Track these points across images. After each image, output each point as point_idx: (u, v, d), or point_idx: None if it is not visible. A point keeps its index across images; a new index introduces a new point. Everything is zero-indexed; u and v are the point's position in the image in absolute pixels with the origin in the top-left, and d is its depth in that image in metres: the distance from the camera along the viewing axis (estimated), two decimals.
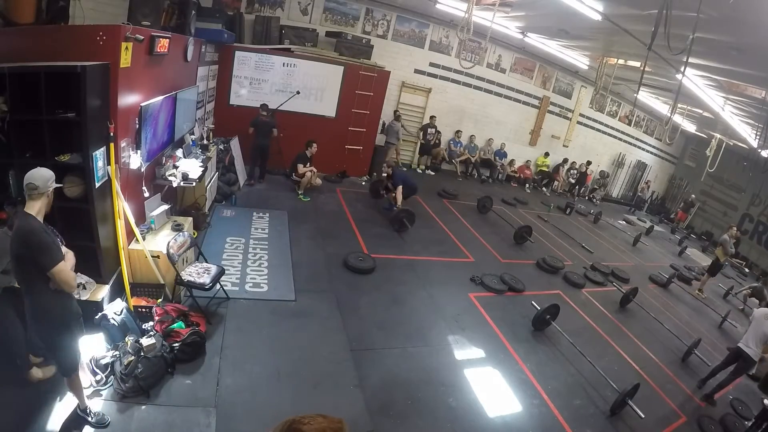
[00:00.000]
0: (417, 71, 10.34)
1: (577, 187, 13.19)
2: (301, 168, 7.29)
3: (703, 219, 14.71)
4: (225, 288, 4.17)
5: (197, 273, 3.86)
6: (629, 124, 14.16)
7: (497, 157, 11.91)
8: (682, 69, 4.51)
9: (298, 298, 4.48)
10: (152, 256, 3.83)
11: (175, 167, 4.82)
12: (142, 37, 3.58)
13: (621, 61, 8.16)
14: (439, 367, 4.03)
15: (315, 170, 7.51)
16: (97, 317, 3.19)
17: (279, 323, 4.06)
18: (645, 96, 10.70)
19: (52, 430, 2.56)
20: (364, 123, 8.76)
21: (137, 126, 3.77)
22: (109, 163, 3.37)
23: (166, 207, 4.44)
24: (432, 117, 10.55)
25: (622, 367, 4.92)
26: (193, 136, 5.72)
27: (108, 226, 3.50)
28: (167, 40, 4.14)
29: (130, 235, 3.81)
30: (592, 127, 13.48)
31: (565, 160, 12.97)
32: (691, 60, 4.24)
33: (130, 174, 3.87)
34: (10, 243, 2.18)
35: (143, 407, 2.86)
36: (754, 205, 12.67)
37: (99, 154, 3.22)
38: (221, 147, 6.89)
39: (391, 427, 3.24)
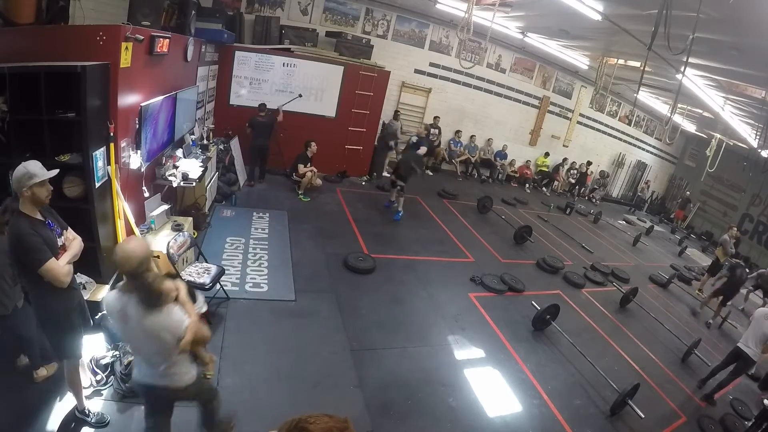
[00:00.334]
0: (417, 71, 10.34)
1: (577, 187, 13.20)
2: (301, 168, 7.29)
3: (703, 219, 14.72)
4: (225, 288, 4.18)
5: (197, 273, 3.86)
6: (629, 124, 14.16)
7: (498, 158, 11.91)
8: (682, 69, 4.51)
9: (298, 298, 4.48)
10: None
11: (175, 167, 4.83)
12: (142, 37, 3.58)
13: (621, 61, 8.16)
14: (439, 367, 4.03)
15: (315, 170, 7.51)
16: (97, 317, 3.19)
17: (279, 323, 4.06)
18: (645, 96, 10.70)
19: (52, 430, 2.56)
20: (364, 123, 8.76)
21: (137, 126, 3.77)
22: (109, 163, 3.37)
23: (166, 207, 4.44)
24: (436, 117, 10.57)
25: (622, 367, 4.91)
26: (193, 136, 5.72)
27: (108, 226, 3.50)
28: (167, 40, 4.14)
29: (130, 235, 3.81)
30: (592, 127, 13.48)
31: (565, 160, 12.97)
32: (691, 60, 4.24)
33: (130, 174, 3.87)
34: (6, 240, 2.22)
35: (143, 407, 2.85)
36: (754, 205, 12.66)
37: (99, 154, 3.23)
38: (221, 147, 6.89)
39: (391, 427, 3.24)
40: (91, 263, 3.31)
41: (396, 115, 9.96)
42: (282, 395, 3.25)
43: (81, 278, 3.25)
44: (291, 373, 3.48)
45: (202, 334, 2.10)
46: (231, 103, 7.79)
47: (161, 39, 4.00)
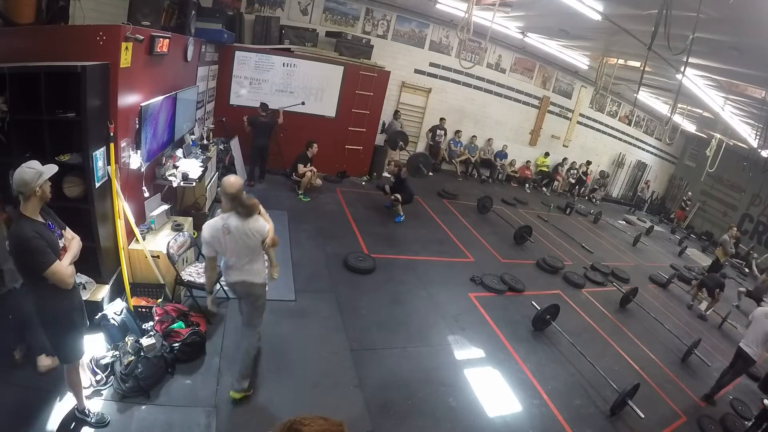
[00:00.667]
0: (417, 71, 10.34)
1: (577, 187, 13.20)
2: (301, 168, 7.29)
3: (703, 219, 14.72)
4: (225, 288, 4.17)
5: (197, 273, 3.86)
6: (629, 124, 14.16)
7: (498, 158, 11.91)
8: (682, 69, 4.51)
9: (298, 298, 4.48)
10: (152, 256, 3.83)
11: (175, 167, 4.83)
12: (142, 37, 3.58)
13: (621, 61, 8.16)
14: (439, 367, 4.03)
15: (315, 170, 7.51)
16: (97, 317, 3.19)
17: (279, 323, 4.06)
18: (645, 96, 10.70)
19: (52, 430, 2.56)
20: (364, 123, 8.76)
21: (137, 126, 3.77)
22: (109, 163, 3.37)
23: (166, 207, 4.44)
24: (442, 119, 10.57)
25: (622, 367, 4.92)
26: (193, 136, 5.72)
27: (108, 226, 3.50)
28: (167, 40, 4.14)
29: (130, 235, 3.81)
30: (592, 127, 13.48)
31: (564, 160, 12.97)
32: (691, 60, 4.24)
33: (130, 174, 3.87)
34: (8, 243, 2.21)
35: (143, 407, 2.86)
36: (754, 205, 12.66)
37: (99, 154, 3.22)
38: (221, 147, 6.89)
39: (391, 427, 3.25)
40: (91, 263, 3.30)
41: (396, 115, 9.98)
42: (282, 395, 3.25)
43: (81, 278, 3.25)
44: (291, 373, 3.49)
45: (276, 238, 3.11)
46: (231, 103, 7.79)
47: (161, 39, 4.00)
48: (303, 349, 3.79)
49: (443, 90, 10.76)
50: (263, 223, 2.98)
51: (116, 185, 3.47)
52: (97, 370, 2.97)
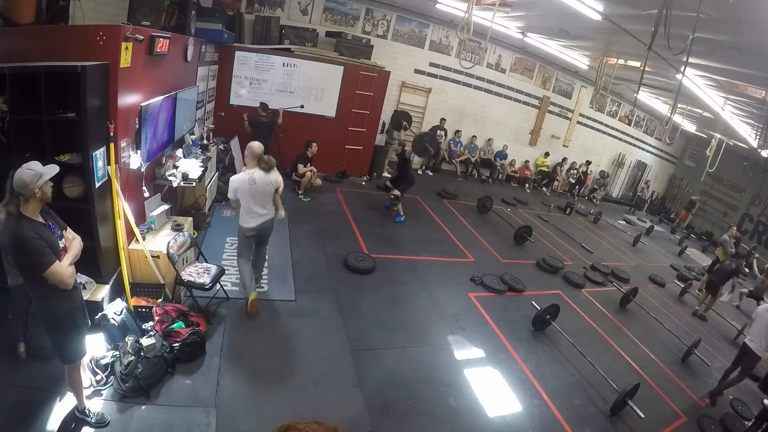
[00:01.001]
0: (417, 71, 10.34)
1: (577, 187, 13.20)
2: (301, 168, 7.29)
3: (703, 219, 14.71)
4: (225, 288, 4.17)
5: (197, 273, 3.86)
6: (629, 124, 14.16)
7: (498, 158, 11.92)
8: (682, 69, 4.51)
9: (298, 298, 4.48)
10: (152, 256, 3.83)
11: (175, 167, 4.82)
12: (142, 37, 3.58)
13: (621, 61, 8.16)
14: (439, 367, 4.03)
15: (315, 170, 7.51)
16: (97, 317, 3.19)
17: (279, 323, 4.06)
18: (645, 96, 10.70)
19: (52, 430, 2.56)
20: (364, 123, 8.75)
21: (137, 126, 3.77)
22: (109, 163, 3.37)
23: (166, 207, 4.44)
24: (442, 119, 10.56)
25: (622, 367, 4.92)
26: (193, 136, 5.72)
27: (108, 226, 3.50)
28: (167, 40, 4.13)
29: (130, 235, 3.81)
30: (592, 127, 13.48)
31: (564, 160, 12.97)
32: (691, 60, 4.24)
33: (130, 174, 3.87)
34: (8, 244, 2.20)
35: (143, 407, 2.86)
36: (754, 205, 12.66)
37: (99, 154, 3.22)
38: (221, 147, 6.89)
39: (391, 427, 3.24)
40: (91, 263, 3.30)
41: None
42: (282, 395, 3.25)
43: (81, 278, 3.23)
44: (291, 373, 3.48)
45: (283, 187, 4.26)
46: (231, 103, 7.79)
47: (161, 39, 3.99)
48: (303, 349, 3.79)
49: (443, 90, 10.76)
50: (279, 176, 4.14)
51: (116, 185, 3.47)
52: (97, 370, 2.97)
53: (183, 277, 3.77)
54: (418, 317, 4.74)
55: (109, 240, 3.53)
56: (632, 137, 14.41)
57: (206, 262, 4.17)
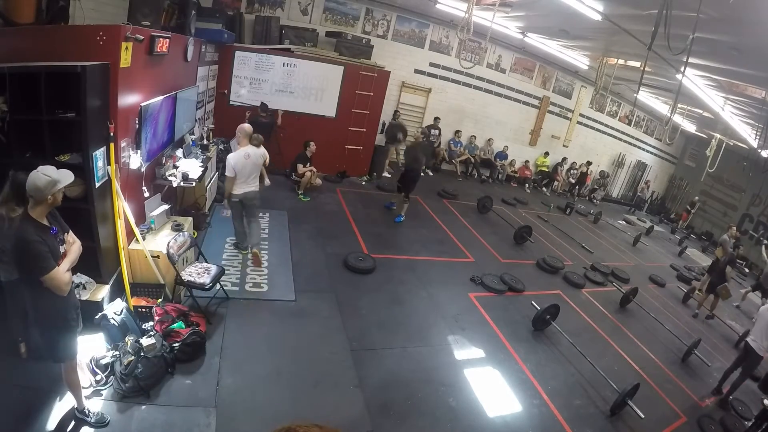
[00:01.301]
0: (417, 71, 10.34)
1: (577, 187, 13.20)
2: (301, 168, 7.29)
3: (703, 219, 14.71)
4: (225, 288, 4.18)
5: (197, 273, 3.86)
6: (629, 124, 14.16)
7: (498, 159, 11.92)
8: (682, 69, 4.51)
9: (298, 298, 4.48)
10: (152, 256, 3.83)
11: (175, 167, 4.83)
12: (142, 37, 3.58)
13: (621, 61, 8.16)
14: (439, 367, 4.03)
15: (315, 170, 7.51)
16: (97, 317, 3.18)
17: (279, 323, 4.06)
18: (645, 96, 10.70)
19: (52, 430, 2.56)
20: (364, 123, 8.75)
21: (137, 126, 3.77)
22: (109, 163, 3.37)
23: (166, 207, 4.44)
24: (436, 118, 10.55)
25: (622, 367, 4.92)
26: (193, 136, 5.72)
27: (108, 226, 3.50)
28: (167, 40, 4.13)
29: (130, 235, 3.81)
30: (592, 127, 13.48)
31: (564, 160, 12.97)
32: (691, 60, 4.24)
33: (130, 174, 3.87)
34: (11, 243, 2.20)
35: (143, 407, 2.86)
36: (754, 205, 12.67)
37: (99, 154, 3.22)
38: (221, 147, 6.88)
39: (391, 427, 3.24)
40: (91, 263, 3.30)
41: (396, 115, 9.97)
42: (282, 395, 3.25)
43: (81, 278, 3.26)
44: (291, 373, 3.48)
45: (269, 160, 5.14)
46: (231, 103, 7.79)
47: (161, 39, 3.99)
48: (303, 349, 3.79)
49: (443, 90, 10.76)
50: (264, 152, 5.00)
51: (116, 185, 3.47)
52: (97, 370, 2.97)
53: (183, 277, 3.77)
54: (418, 317, 4.74)
55: (109, 240, 3.53)
56: (632, 137, 14.42)
57: (206, 262, 4.18)
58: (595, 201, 13.73)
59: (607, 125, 13.69)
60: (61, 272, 2.24)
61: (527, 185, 12.35)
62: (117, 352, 3.06)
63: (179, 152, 5.18)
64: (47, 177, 2.13)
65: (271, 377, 3.39)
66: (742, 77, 5.75)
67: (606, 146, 14.03)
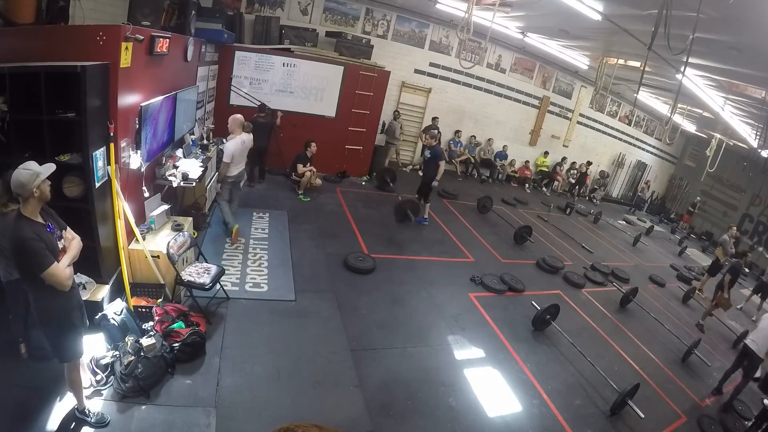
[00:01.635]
0: (417, 71, 10.35)
1: (577, 187, 13.20)
2: (301, 168, 7.29)
3: (703, 219, 14.72)
4: (225, 288, 4.18)
5: (197, 273, 3.86)
6: (629, 124, 14.16)
7: (498, 159, 11.91)
8: (682, 69, 4.51)
9: (298, 298, 4.48)
10: (152, 256, 3.83)
11: (175, 167, 4.82)
12: (142, 37, 3.58)
13: (621, 61, 8.17)
14: (439, 366, 4.03)
15: (315, 170, 7.51)
16: (97, 317, 3.19)
17: (279, 323, 4.06)
18: (645, 96, 10.71)
19: (52, 430, 2.56)
20: (364, 123, 8.76)
21: (137, 126, 3.77)
22: (109, 163, 3.37)
23: (166, 207, 4.44)
24: (434, 118, 10.55)
25: (622, 367, 4.92)
26: (193, 136, 5.72)
27: (108, 226, 3.50)
28: (167, 40, 4.13)
29: (130, 235, 3.81)
30: (592, 127, 13.48)
31: (564, 159, 12.96)
32: (691, 60, 4.24)
33: (130, 174, 3.86)
34: (7, 244, 2.21)
35: (143, 407, 2.86)
36: (754, 205, 12.66)
37: (99, 154, 3.22)
38: (221, 147, 6.87)
39: (391, 426, 3.24)
40: (91, 263, 3.30)
41: (396, 115, 9.97)
42: (282, 395, 3.25)
43: (81, 278, 3.25)
44: (291, 373, 3.48)
45: None
46: (231, 103, 7.79)
47: (161, 39, 3.99)
48: (303, 349, 3.79)
49: (443, 90, 10.77)
50: (251, 135, 5.48)
51: (116, 185, 3.46)
52: (97, 370, 2.97)
53: (183, 277, 3.77)
54: (418, 317, 4.74)
55: (109, 240, 3.53)
56: (632, 137, 14.42)
57: (206, 262, 4.18)
58: (595, 201, 13.73)
59: (607, 125, 13.70)
60: (61, 268, 2.23)
61: (527, 185, 12.35)
62: (117, 352, 3.06)
63: (179, 152, 5.19)
64: (28, 171, 2.12)
65: (271, 377, 3.39)
66: (742, 77, 5.75)
67: (606, 146, 14.03)
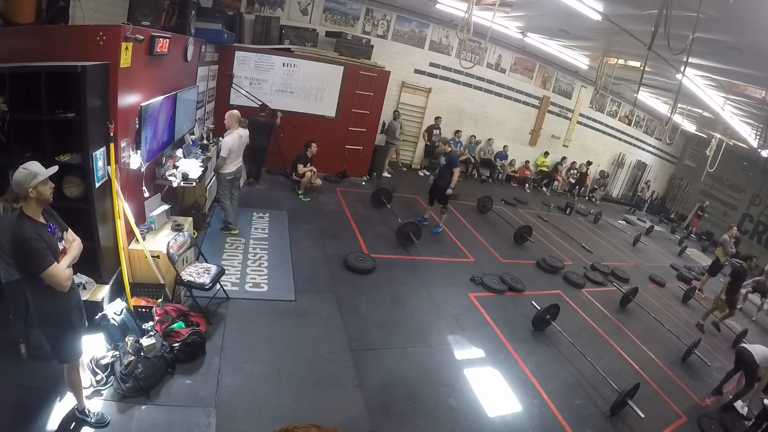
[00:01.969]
0: (417, 71, 10.35)
1: (577, 187, 13.20)
2: (301, 168, 7.29)
3: (703, 219, 14.71)
4: (225, 288, 4.18)
5: (197, 273, 3.86)
6: (629, 124, 14.16)
7: (498, 159, 11.91)
8: (682, 69, 4.51)
9: (298, 298, 4.48)
10: (152, 256, 3.83)
11: (175, 167, 4.83)
12: (142, 37, 3.58)
13: (621, 61, 8.17)
14: (439, 366, 4.03)
15: (315, 170, 7.51)
16: (97, 317, 3.19)
17: (279, 323, 4.06)
18: (645, 96, 10.71)
19: (52, 430, 2.56)
20: (364, 123, 8.76)
21: (137, 126, 3.77)
22: (109, 163, 3.37)
23: (166, 207, 4.44)
24: (437, 118, 10.55)
25: (622, 367, 4.92)
26: (193, 136, 5.73)
27: (108, 226, 3.50)
28: (167, 40, 4.13)
29: (130, 235, 3.81)
30: (592, 127, 13.48)
31: (564, 159, 12.96)
32: (691, 60, 4.24)
33: (130, 174, 3.87)
34: (8, 243, 2.21)
35: (143, 407, 2.86)
36: (754, 205, 12.67)
37: (99, 154, 3.22)
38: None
39: (391, 426, 3.24)
40: (91, 263, 3.30)
41: (396, 115, 9.97)
42: (282, 395, 3.25)
43: (81, 278, 3.25)
44: (291, 372, 3.48)
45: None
46: (231, 103, 7.78)
47: (161, 39, 3.99)
48: (303, 349, 3.79)
49: (443, 90, 10.76)
50: (248, 131, 5.52)
51: (116, 185, 3.46)
52: (97, 370, 2.97)
53: (183, 277, 3.77)
54: (418, 317, 4.74)
55: (109, 240, 3.53)
56: (632, 137, 14.42)
57: (206, 262, 4.18)
58: (595, 201, 13.73)
59: (607, 125, 13.69)
60: (61, 268, 2.23)
61: (527, 185, 12.35)
62: (117, 352, 3.06)
63: (179, 152, 5.19)
64: (26, 171, 2.12)
65: (271, 377, 3.39)
66: (742, 77, 5.76)
67: (606, 146, 14.03)
